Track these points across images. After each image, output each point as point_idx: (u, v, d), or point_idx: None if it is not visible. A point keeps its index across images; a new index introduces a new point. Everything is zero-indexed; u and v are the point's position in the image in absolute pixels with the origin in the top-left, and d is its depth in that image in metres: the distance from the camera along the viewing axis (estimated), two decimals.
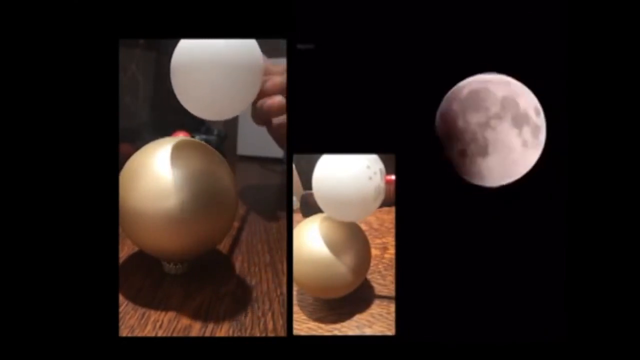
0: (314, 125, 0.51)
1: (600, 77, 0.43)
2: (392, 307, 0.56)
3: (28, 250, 0.38)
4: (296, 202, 0.97)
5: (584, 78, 0.43)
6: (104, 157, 0.40)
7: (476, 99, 0.44)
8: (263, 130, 1.88)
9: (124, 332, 0.44)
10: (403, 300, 0.49)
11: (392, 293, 0.58)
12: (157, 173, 0.50)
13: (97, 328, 0.38)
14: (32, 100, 0.39)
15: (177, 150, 0.52)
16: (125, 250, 0.63)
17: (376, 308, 0.64)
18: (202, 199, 0.50)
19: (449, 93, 0.48)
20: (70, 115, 0.39)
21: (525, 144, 0.43)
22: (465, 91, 0.46)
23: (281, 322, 0.48)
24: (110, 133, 0.40)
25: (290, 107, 0.51)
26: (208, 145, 0.57)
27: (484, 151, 0.43)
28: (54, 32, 0.39)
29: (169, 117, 1.58)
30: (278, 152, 1.84)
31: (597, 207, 0.42)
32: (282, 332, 0.46)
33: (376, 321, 0.59)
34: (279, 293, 0.55)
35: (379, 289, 0.71)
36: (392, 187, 0.53)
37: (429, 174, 0.50)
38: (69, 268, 0.38)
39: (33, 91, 0.39)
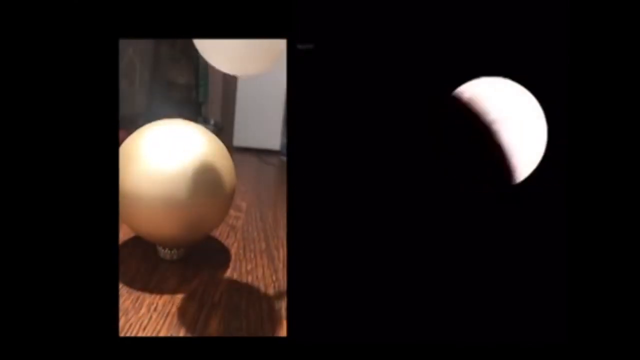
0: (314, 124, 0.51)
1: (601, 77, 0.43)
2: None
3: (26, 246, 0.37)
4: None
5: (584, 78, 0.43)
6: (104, 150, 0.40)
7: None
8: (259, 122, 1.88)
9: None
10: (412, 302, 0.49)
11: None
12: (154, 157, 0.49)
13: (96, 327, 0.38)
14: (30, 100, 0.38)
15: (175, 134, 0.51)
16: (121, 235, 0.63)
17: None
18: (201, 184, 0.49)
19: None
20: (70, 112, 0.39)
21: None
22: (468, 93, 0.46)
23: (276, 307, 0.48)
24: (109, 132, 0.40)
25: (290, 106, 0.51)
26: (207, 130, 0.56)
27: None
28: (54, 32, 0.39)
29: (165, 106, 1.58)
30: (274, 144, 1.85)
31: (597, 209, 0.42)
32: (276, 316, 0.46)
33: None
34: (274, 279, 0.55)
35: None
36: None
37: (427, 175, 0.50)
38: (69, 266, 0.38)
39: (32, 90, 0.38)
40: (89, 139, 0.39)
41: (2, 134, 0.37)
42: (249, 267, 0.57)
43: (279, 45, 0.43)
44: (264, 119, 1.76)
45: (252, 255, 0.62)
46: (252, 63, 0.43)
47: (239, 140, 1.80)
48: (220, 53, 0.42)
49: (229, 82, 1.90)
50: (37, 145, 0.38)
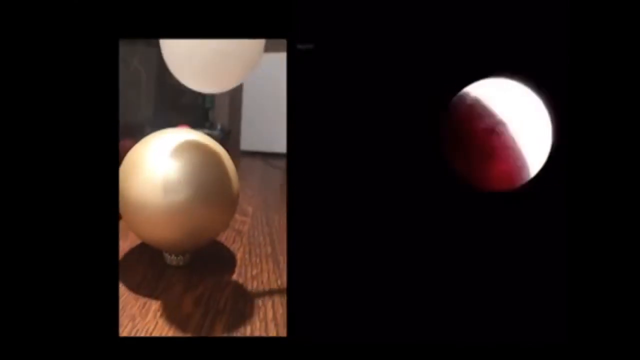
0: (314, 125, 0.51)
1: (602, 76, 0.43)
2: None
3: (26, 247, 0.38)
4: None
5: (585, 77, 0.43)
6: (104, 153, 0.40)
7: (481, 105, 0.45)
8: (266, 125, 1.89)
9: (124, 320, 0.45)
10: (412, 302, 0.49)
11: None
12: (158, 165, 0.50)
13: (96, 327, 0.39)
14: (30, 100, 0.39)
15: (178, 142, 0.52)
16: (127, 242, 0.64)
17: None
18: (204, 191, 0.50)
19: (455, 99, 0.48)
20: (69, 114, 0.40)
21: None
22: (470, 97, 0.46)
23: (281, 311, 0.49)
24: (109, 133, 0.40)
25: (290, 106, 0.52)
26: (209, 137, 0.57)
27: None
28: (54, 32, 0.40)
29: (172, 113, 1.60)
30: (281, 148, 1.85)
31: (598, 210, 0.42)
32: (281, 321, 0.47)
33: None
34: (279, 283, 0.55)
35: None
36: None
37: (427, 177, 0.50)
38: (68, 266, 0.39)
39: (31, 90, 0.39)
40: (89, 138, 0.39)
41: (1, 135, 0.38)
42: (254, 272, 0.58)
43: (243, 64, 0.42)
44: (271, 122, 1.77)
45: (258, 260, 0.62)
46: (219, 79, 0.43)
47: (246, 144, 1.81)
48: (185, 69, 0.42)
49: (235, 87, 1.91)
50: (35, 146, 0.39)
